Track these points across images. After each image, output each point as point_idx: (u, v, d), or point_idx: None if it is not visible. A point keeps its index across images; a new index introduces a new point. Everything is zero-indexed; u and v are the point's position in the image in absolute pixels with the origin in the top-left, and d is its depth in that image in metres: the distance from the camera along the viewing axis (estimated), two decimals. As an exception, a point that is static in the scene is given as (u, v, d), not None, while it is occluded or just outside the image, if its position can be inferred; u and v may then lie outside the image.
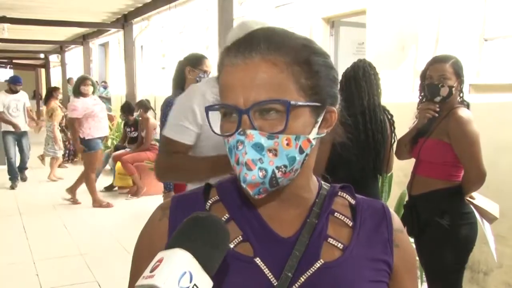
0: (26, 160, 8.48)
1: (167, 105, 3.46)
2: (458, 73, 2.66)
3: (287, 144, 0.79)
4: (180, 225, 0.75)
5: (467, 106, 2.73)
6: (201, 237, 0.71)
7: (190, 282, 0.67)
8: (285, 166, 0.80)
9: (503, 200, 3.04)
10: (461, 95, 2.71)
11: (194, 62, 3.48)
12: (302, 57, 0.82)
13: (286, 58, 0.80)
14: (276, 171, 0.79)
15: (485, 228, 2.79)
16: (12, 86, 8.18)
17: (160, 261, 0.68)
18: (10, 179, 8.11)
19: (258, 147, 0.78)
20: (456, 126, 2.59)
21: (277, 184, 0.80)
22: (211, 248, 0.71)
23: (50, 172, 8.63)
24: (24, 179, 8.55)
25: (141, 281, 0.67)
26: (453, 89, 2.64)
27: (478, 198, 2.72)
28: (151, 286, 0.66)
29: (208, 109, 0.85)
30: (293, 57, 0.81)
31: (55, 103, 8.78)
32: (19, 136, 8.15)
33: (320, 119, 0.84)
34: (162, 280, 0.66)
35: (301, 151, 0.81)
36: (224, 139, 0.83)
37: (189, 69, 3.46)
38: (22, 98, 8.24)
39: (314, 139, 0.83)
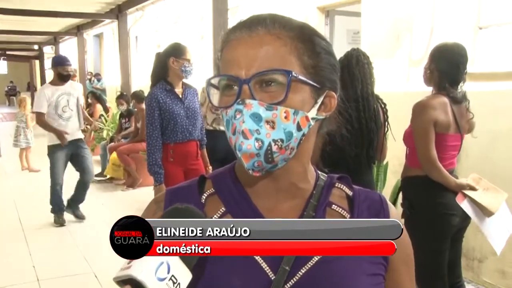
0: (88, 186, 5.64)
1: (152, 98, 3.44)
2: (433, 57, 2.71)
3: (285, 117, 0.79)
4: (159, 217, 0.75)
5: (449, 93, 2.67)
6: None
7: (168, 272, 0.67)
8: (282, 141, 0.79)
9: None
10: (444, 84, 2.67)
11: (178, 52, 3.48)
12: (306, 35, 0.83)
13: (291, 33, 0.81)
14: (273, 144, 0.78)
15: (480, 222, 2.71)
16: (61, 69, 5.24)
17: None
18: (52, 211, 5.51)
19: (256, 117, 0.78)
20: (412, 111, 2.67)
21: (272, 160, 0.79)
22: None
23: (28, 164, 8.57)
24: (79, 216, 5.64)
25: (118, 273, 0.67)
26: (428, 72, 2.72)
27: (480, 191, 2.66)
28: (128, 277, 0.65)
29: (209, 81, 0.85)
30: (297, 33, 0.82)
31: (24, 94, 8.66)
32: (74, 147, 5.37)
33: (320, 101, 0.84)
34: (139, 270, 0.65)
35: (298, 128, 0.80)
36: (222, 113, 0.82)
37: (173, 59, 3.45)
38: (74, 90, 5.44)
39: (312, 119, 0.83)
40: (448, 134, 2.66)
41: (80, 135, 5.50)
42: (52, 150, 5.31)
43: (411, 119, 2.69)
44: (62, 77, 5.26)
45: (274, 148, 0.79)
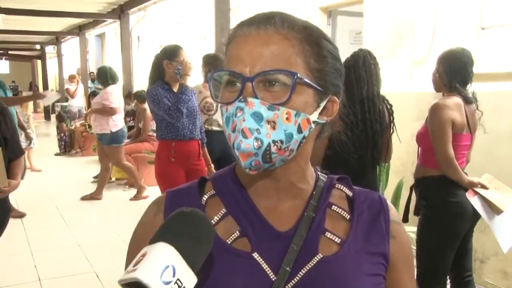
0: None
1: (156, 89, 3.47)
2: (441, 60, 2.81)
3: (287, 119, 0.78)
4: (164, 220, 0.74)
5: (461, 93, 2.76)
6: (185, 232, 0.70)
7: (173, 276, 0.66)
8: (281, 142, 0.78)
9: (500, 189, 3.04)
10: (454, 84, 2.76)
11: (170, 55, 3.53)
12: (314, 38, 0.82)
13: (299, 35, 0.80)
14: (272, 144, 0.77)
15: (489, 219, 2.78)
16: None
17: (144, 255, 0.68)
18: None
19: (257, 117, 0.76)
20: (429, 111, 2.73)
21: (270, 160, 0.78)
22: (194, 243, 0.70)
23: (30, 164, 8.57)
24: None
25: (124, 276, 0.66)
26: (436, 75, 2.82)
27: (491, 190, 2.74)
28: (134, 280, 0.65)
29: (211, 75, 0.84)
30: (306, 35, 0.81)
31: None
32: None
33: (322, 105, 0.83)
34: (144, 273, 0.65)
35: (299, 130, 0.79)
36: (222, 109, 0.81)
37: (166, 62, 3.51)
38: None
39: (314, 122, 0.82)
40: (462, 134, 2.74)
41: None
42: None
43: (428, 119, 2.75)
44: None
45: (273, 149, 0.78)
